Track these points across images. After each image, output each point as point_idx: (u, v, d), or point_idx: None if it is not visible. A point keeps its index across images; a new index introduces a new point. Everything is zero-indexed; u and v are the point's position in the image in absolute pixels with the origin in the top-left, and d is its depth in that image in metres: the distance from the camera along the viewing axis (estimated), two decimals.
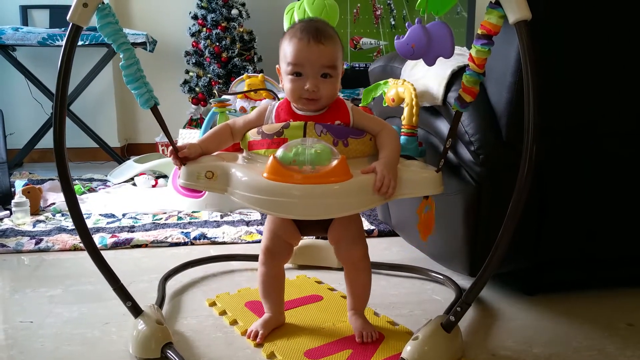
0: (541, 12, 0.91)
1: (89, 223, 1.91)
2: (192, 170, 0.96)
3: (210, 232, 1.77)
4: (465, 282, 1.32)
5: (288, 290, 1.13)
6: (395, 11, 3.40)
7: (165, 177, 2.68)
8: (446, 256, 1.33)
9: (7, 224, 1.89)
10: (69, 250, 1.63)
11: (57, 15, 3.36)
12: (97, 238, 1.70)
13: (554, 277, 1.29)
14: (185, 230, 1.79)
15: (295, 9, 1.37)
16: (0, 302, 1.25)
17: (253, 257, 1.44)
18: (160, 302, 1.19)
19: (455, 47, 1.04)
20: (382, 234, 1.80)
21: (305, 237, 1.23)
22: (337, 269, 1.44)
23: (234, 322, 1.12)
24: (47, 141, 3.18)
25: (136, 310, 1.00)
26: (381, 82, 1.22)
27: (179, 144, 1.01)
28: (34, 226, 1.87)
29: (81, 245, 1.59)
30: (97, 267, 0.97)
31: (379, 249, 1.64)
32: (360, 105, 1.18)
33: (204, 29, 3.31)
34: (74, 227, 1.09)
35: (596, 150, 1.17)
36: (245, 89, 2.29)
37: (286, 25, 1.34)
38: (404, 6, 3.40)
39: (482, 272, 0.92)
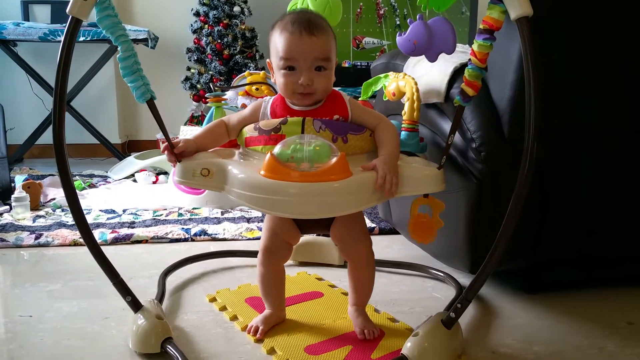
0: (542, 8, 0.90)
1: (89, 219, 1.91)
2: (188, 167, 0.94)
3: (211, 229, 1.77)
4: (465, 280, 1.32)
5: (288, 286, 1.13)
6: (398, 11, 3.39)
7: (165, 173, 2.68)
8: (447, 254, 1.33)
9: (7, 218, 1.89)
10: (69, 245, 1.63)
11: (58, 10, 3.36)
12: (97, 233, 1.70)
13: (554, 276, 1.29)
14: (185, 227, 1.79)
15: (298, 5, 1.37)
16: (0, 297, 1.25)
17: (253, 254, 1.43)
18: (160, 298, 1.19)
19: (458, 44, 1.04)
20: (383, 231, 1.80)
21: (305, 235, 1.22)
22: (338, 266, 1.44)
23: (234, 318, 1.12)
24: (48, 137, 3.18)
25: (136, 305, 0.99)
26: (381, 75, 1.21)
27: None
28: (34, 221, 1.87)
29: (81, 240, 1.59)
30: (97, 262, 0.96)
31: (380, 247, 1.63)
32: (360, 99, 1.17)
33: (206, 25, 3.31)
34: (74, 223, 1.09)
35: (596, 149, 1.17)
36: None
37: None
38: (407, 5, 3.39)
39: (482, 268, 0.92)
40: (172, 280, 1.34)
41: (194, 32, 3.34)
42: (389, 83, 1.16)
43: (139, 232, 1.72)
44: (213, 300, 1.22)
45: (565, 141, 1.14)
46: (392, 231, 1.78)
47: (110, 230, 1.74)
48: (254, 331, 1.04)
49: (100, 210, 2.04)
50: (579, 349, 1.03)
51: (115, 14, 0.90)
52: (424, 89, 1.20)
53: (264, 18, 3.46)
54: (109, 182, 2.63)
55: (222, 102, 2.14)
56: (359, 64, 3.41)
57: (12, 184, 2.20)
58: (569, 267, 1.28)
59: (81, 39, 2.90)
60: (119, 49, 0.91)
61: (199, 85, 3.34)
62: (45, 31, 2.94)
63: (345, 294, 1.23)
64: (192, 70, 3.37)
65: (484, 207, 1.13)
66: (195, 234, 1.72)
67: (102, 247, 0.97)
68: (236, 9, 3.30)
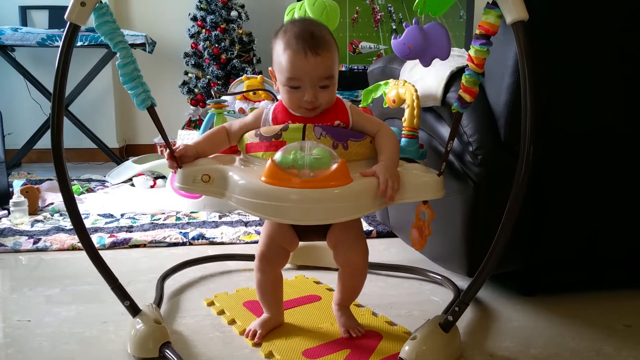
0: (538, 12, 0.91)
1: (87, 223, 1.91)
2: (188, 173, 0.94)
3: (209, 233, 1.77)
4: (463, 283, 1.32)
5: (286, 290, 1.13)
6: (394, 15, 3.40)
7: (163, 177, 2.68)
8: (444, 257, 1.33)
9: (5, 223, 1.88)
10: (67, 249, 1.63)
11: (57, 15, 3.36)
12: (95, 238, 1.70)
13: (551, 278, 1.30)
14: (183, 231, 1.79)
15: (295, 10, 1.37)
16: None
17: (251, 257, 1.43)
18: (159, 302, 1.19)
19: (455, 48, 1.04)
20: (380, 235, 1.80)
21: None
22: (336, 269, 1.44)
23: (232, 322, 1.12)
24: (46, 142, 3.18)
25: (134, 310, 0.99)
26: (381, 82, 1.22)
27: (178, 145, 1.00)
28: (32, 226, 1.87)
29: (79, 244, 1.59)
30: (95, 267, 0.97)
31: (378, 250, 1.64)
32: (360, 106, 1.18)
33: (203, 30, 3.31)
34: (72, 227, 1.10)
35: (593, 151, 1.17)
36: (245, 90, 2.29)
37: None
38: (404, 10, 3.40)
39: (480, 270, 0.92)
40: (170, 285, 1.34)
41: (192, 36, 3.34)
42: (389, 90, 1.17)
43: (137, 236, 1.72)
44: (211, 304, 1.22)
45: (561, 143, 1.15)
46: (390, 234, 1.78)
47: (109, 235, 1.74)
48: (252, 335, 1.04)
49: (98, 215, 2.04)
50: (576, 351, 1.03)
51: (114, 20, 0.90)
52: (421, 93, 1.20)
53: (261, 23, 3.48)
54: (107, 187, 2.62)
55: (224, 108, 2.15)
56: (355, 67, 3.41)
57: (10, 189, 2.19)
58: (566, 269, 1.29)
59: (79, 43, 2.90)
60: (117, 55, 0.91)
61: (196, 90, 3.34)
62: (43, 36, 2.94)
63: None
64: (190, 75, 3.38)
65: (481, 210, 1.13)
66: (193, 238, 1.72)
67: (100, 252, 0.97)
68: (233, 13, 3.30)
